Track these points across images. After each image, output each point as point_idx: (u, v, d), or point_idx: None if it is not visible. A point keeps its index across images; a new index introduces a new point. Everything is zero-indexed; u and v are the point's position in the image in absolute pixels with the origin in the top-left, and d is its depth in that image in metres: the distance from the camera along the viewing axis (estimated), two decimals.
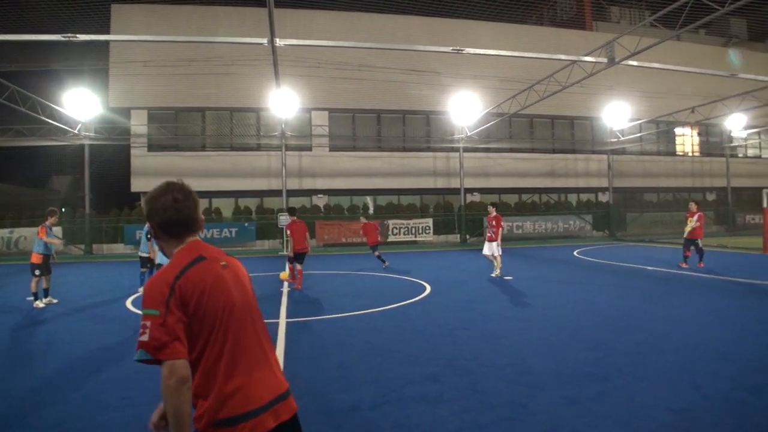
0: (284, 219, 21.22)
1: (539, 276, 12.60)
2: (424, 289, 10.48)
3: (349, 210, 24.98)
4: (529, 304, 8.67)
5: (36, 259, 9.33)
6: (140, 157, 24.23)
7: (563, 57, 16.73)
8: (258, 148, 25.15)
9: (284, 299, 9.47)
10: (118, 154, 26.87)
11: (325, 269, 14.82)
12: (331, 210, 24.73)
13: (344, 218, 24.16)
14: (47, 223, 9.49)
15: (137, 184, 24.28)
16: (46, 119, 20.44)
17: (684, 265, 13.27)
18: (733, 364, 5.12)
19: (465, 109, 22.47)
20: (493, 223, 12.27)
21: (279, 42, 13.90)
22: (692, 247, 13.41)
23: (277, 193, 24.01)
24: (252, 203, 25.09)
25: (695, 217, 13.27)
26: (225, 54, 22.82)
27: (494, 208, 12.52)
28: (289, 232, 11.19)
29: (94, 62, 25.14)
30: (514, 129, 28.07)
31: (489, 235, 12.43)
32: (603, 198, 29.54)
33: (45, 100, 20.07)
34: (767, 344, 5.88)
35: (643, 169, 30.41)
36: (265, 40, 13.77)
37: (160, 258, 9.20)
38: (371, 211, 25.80)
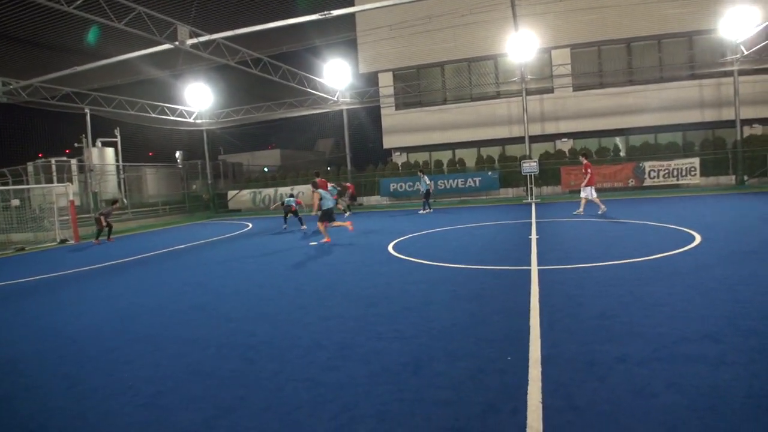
0: (527, 167, 20.95)
1: None
2: (693, 238, 9.16)
3: (597, 153, 23.30)
4: None
5: None
6: (389, 116, 26.24)
7: None
8: (497, 96, 24.98)
9: (533, 246, 9.37)
10: (370, 115, 29.64)
11: (573, 216, 14.19)
12: (577, 154, 23.37)
13: (593, 162, 22.60)
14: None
15: (389, 141, 26.49)
16: (311, 91, 23.41)
17: None
18: None
19: (739, 22, 18.65)
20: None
21: None
22: None
23: (519, 140, 23.62)
24: (494, 152, 25.22)
25: None
26: (460, 5, 22.92)
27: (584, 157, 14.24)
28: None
29: (344, 34, 27.71)
30: None
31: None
32: None
33: (309, 74, 22.96)
34: None
35: None
36: None
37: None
38: (622, 153, 23.63)
